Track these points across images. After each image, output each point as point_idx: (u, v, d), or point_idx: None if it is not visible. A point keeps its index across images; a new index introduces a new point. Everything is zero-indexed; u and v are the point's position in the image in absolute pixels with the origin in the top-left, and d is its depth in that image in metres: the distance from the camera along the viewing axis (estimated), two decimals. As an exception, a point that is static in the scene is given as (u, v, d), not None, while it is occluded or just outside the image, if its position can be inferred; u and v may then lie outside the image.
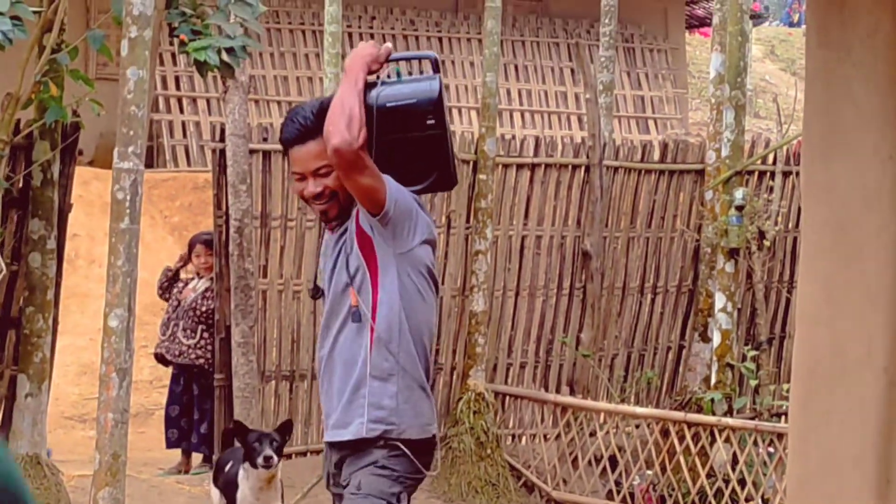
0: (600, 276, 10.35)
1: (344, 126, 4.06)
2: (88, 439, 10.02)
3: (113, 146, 6.60)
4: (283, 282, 9.28)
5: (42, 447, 7.92)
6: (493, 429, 9.56)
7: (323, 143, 4.14)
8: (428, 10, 18.36)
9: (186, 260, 9.77)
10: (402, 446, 4.19)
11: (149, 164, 12.46)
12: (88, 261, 13.33)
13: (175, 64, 16.13)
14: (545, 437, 9.79)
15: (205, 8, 7.71)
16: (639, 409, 9.61)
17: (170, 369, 9.79)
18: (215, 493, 7.32)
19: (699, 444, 8.79)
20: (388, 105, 4.16)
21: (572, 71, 18.61)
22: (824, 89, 2.84)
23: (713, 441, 8.77)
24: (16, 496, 1.93)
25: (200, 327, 9.42)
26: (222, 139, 8.99)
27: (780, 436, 8.32)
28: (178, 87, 16.34)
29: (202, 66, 7.47)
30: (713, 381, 9.86)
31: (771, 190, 10.80)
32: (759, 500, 8.56)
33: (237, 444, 6.98)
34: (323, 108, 4.19)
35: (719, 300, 9.86)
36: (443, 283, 9.28)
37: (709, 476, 8.77)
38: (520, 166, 10.11)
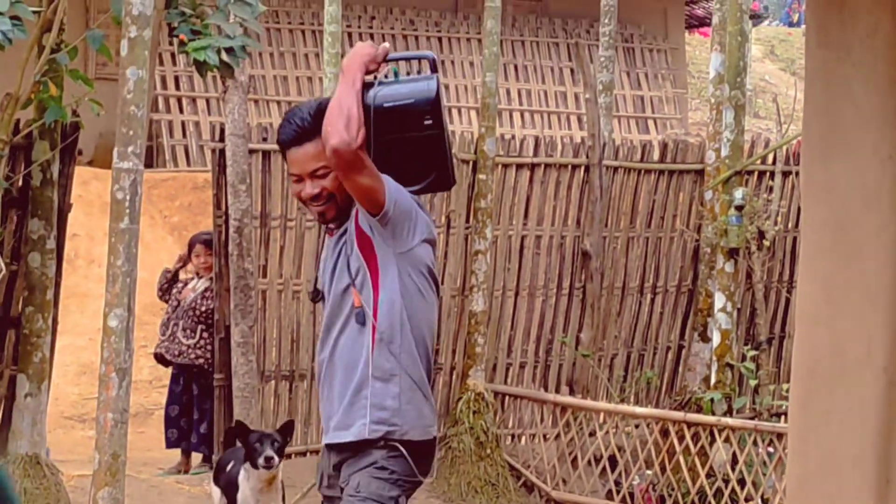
0: (600, 276, 10.34)
1: (342, 126, 4.04)
2: (88, 439, 10.02)
3: (112, 146, 6.60)
4: (283, 282, 9.28)
5: (42, 447, 7.92)
6: (492, 429, 9.56)
7: (320, 144, 4.12)
8: (427, 10, 18.35)
9: (186, 260, 9.77)
10: (402, 448, 4.17)
11: (148, 164, 12.49)
12: (88, 261, 13.32)
13: (175, 64, 16.13)
14: (545, 436, 9.79)
15: (204, 8, 7.71)
16: (638, 409, 9.60)
17: (169, 369, 9.78)
18: (216, 492, 7.31)
19: (699, 444, 8.79)
20: (386, 105, 4.15)
21: (572, 71, 18.60)
22: (824, 89, 2.84)
23: (713, 441, 8.77)
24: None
25: (200, 327, 9.41)
26: (222, 139, 8.99)
27: (780, 436, 8.32)
28: (177, 87, 16.33)
29: (202, 66, 7.47)
30: (713, 380, 9.86)
31: (770, 190, 10.80)
32: (759, 500, 8.55)
33: (239, 443, 6.98)
34: (320, 110, 4.17)
35: (719, 300, 9.86)
36: (442, 283, 9.27)
37: (708, 476, 8.77)
38: (519, 166, 10.11)
